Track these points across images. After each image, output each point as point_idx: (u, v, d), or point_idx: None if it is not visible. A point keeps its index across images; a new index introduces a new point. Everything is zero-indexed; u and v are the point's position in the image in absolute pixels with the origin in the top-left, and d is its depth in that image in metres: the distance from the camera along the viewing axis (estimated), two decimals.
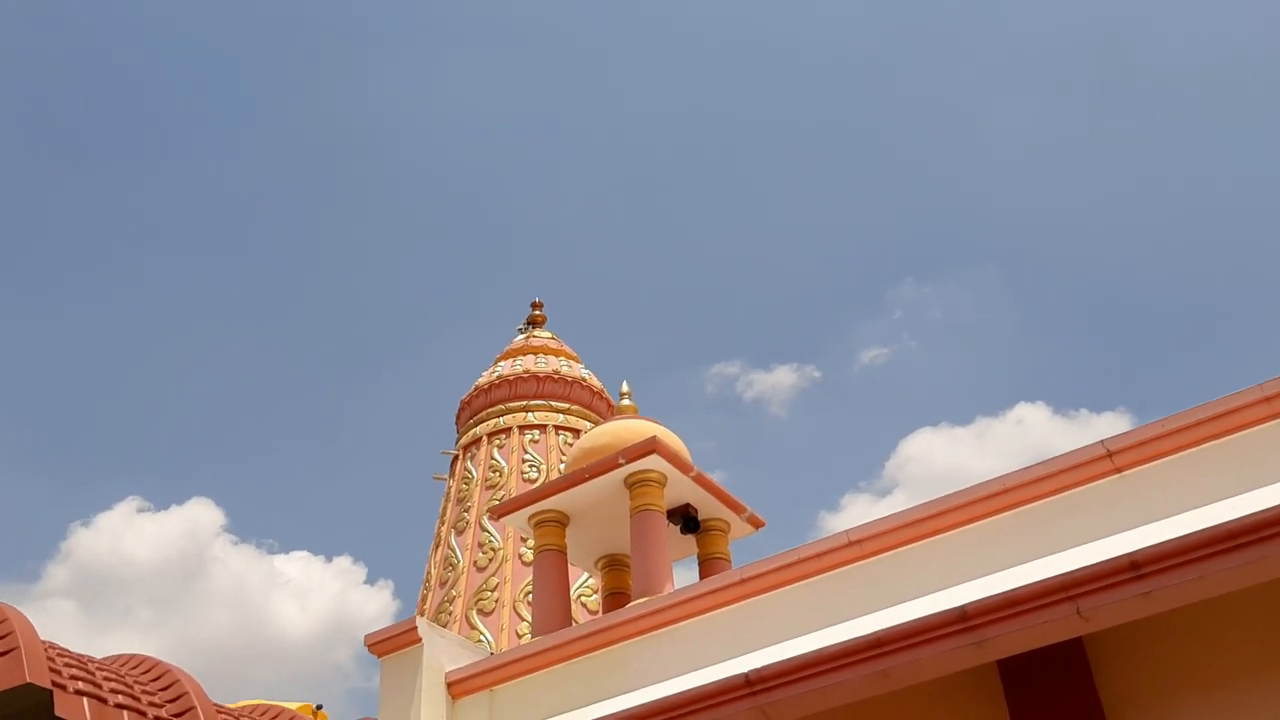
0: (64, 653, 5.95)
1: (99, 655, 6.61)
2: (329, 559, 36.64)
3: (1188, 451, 5.81)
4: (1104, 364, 35.16)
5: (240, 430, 38.12)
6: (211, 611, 33.69)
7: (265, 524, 43.62)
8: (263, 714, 6.87)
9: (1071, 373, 35.57)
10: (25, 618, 5.62)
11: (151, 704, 5.65)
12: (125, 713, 5.45)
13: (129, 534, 34.89)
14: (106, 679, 5.73)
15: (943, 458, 35.55)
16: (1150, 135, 31.68)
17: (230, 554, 35.83)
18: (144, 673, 6.04)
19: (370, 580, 36.27)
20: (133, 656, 6.33)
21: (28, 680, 5.30)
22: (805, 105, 35.67)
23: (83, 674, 5.63)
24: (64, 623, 32.96)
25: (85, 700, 5.37)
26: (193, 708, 5.68)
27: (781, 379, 38.37)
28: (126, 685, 5.79)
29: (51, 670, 5.43)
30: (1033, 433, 34.71)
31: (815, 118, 35.57)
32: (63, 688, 5.38)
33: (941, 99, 33.79)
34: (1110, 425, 31.55)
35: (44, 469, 37.42)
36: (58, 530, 40.00)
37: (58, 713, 5.32)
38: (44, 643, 5.67)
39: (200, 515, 36.07)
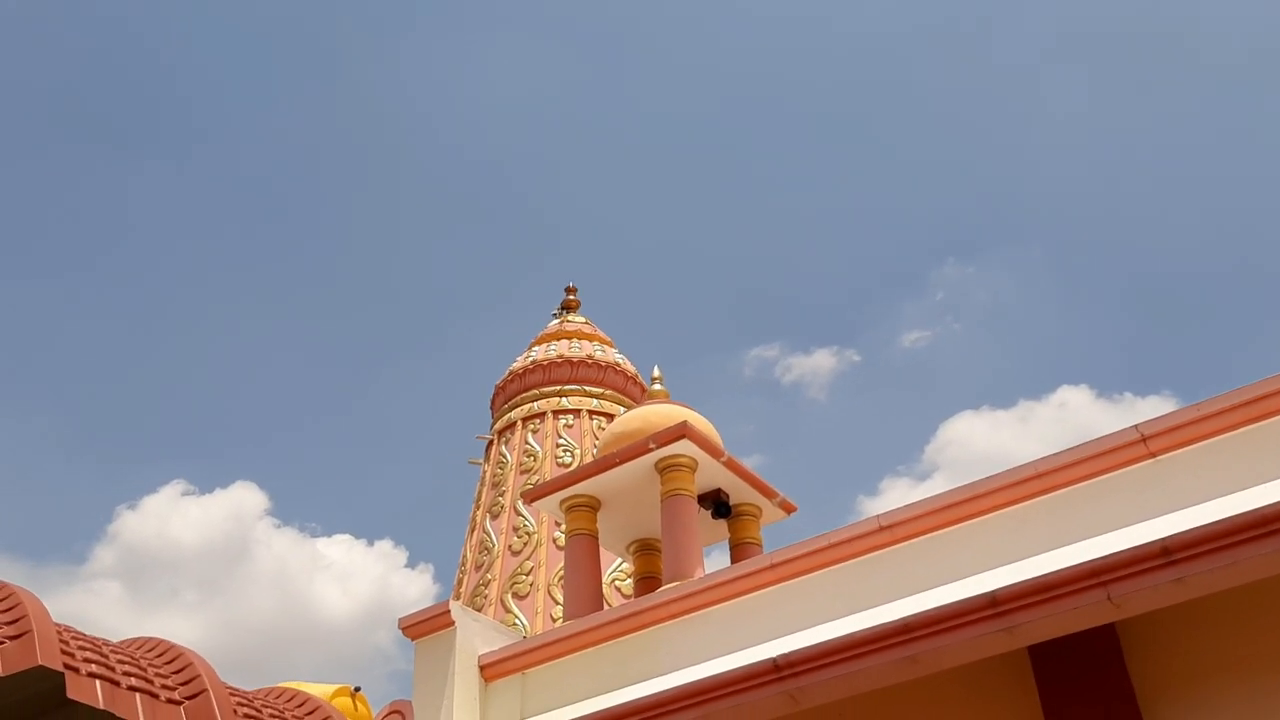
0: (77, 635, 5.96)
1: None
2: (371, 543, 36.90)
3: (1222, 436, 5.65)
4: (1149, 347, 34.85)
5: (283, 414, 38.44)
6: (255, 594, 34.08)
7: (308, 508, 43.96)
8: (278, 696, 6.87)
9: (1116, 355, 35.25)
10: (38, 600, 5.64)
11: (164, 686, 5.66)
12: (138, 695, 5.45)
13: (174, 517, 35.29)
14: (120, 661, 5.73)
15: (984, 441, 35.29)
16: (1198, 114, 31.25)
17: (273, 537, 36.22)
18: (158, 655, 6.05)
19: (411, 564, 36.48)
20: (147, 639, 6.35)
21: (40, 663, 5.31)
22: (847, 84, 35.47)
23: (96, 656, 5.63)
24: (110, 604, 33.45)
25: (98, 683, 5.37)
26: (205, 690, 5.68)
27: (821, 362, 38.16)
28: (140, 668, 5.79)
29: (64, 653, 5.43)
30: (1076, 416, 34.34)
31: (857, 97, 35.36)
32: (75, 670, 5.38)
33: (985, 78, 33.52)
34: (1154, 409, 31.10)
35: (90, 453, 37.89)
36: (104, 513, 40.53)
37: (70, 695, 5.32)
38: (57, 625, 5.67)
39: (244, 499, 36.48)
